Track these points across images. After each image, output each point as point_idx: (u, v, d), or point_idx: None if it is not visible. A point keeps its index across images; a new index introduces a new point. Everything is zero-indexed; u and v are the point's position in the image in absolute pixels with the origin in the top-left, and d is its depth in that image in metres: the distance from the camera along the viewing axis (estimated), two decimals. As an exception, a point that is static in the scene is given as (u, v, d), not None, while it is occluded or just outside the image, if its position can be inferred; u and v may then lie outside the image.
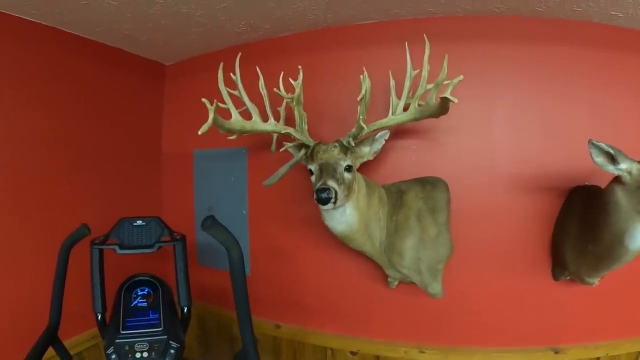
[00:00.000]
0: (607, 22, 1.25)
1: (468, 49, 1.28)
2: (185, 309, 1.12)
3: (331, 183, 0.96)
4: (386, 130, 1.11)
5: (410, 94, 1.07)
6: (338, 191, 0.96)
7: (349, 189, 1.03)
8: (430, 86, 1.03)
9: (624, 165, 0.96)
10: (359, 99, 1.01)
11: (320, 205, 0.97)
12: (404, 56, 1.04)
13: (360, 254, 1.25)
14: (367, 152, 1.11)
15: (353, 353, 1.46)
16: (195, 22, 1.33)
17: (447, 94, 0.88)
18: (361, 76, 1.04)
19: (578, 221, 1.17)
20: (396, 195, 1.14)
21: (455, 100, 0.87)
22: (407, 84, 1.07)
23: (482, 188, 1.29)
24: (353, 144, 1.06)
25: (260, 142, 1.50)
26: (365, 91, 1.01)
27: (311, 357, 1.52)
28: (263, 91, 1.18)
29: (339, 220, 1.08)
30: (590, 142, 0.95)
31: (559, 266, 1.34)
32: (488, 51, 1.29)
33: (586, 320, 1.40)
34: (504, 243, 1.32)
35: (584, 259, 1.18)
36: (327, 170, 1.00)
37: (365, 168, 1.26)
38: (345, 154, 1.04)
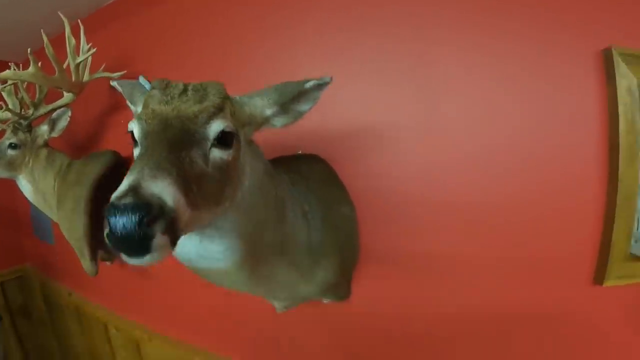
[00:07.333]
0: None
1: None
2: None
3: None
4: (64, 109, 1.17)
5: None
6: None
7: (10, 164, 1.13)
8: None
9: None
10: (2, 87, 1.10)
11: None
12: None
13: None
14: (45, 130, 1.20)
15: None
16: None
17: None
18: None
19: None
20: (67, 170, 1.20)
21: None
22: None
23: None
24: (24, 125, 1.15)
25: None
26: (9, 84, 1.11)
27: (94, 326, 1.64)
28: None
29: (25, 189, 1.21)
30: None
31: None
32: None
33: None
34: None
35: None
36: None
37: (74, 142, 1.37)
38: (16, 133, 1.14)
